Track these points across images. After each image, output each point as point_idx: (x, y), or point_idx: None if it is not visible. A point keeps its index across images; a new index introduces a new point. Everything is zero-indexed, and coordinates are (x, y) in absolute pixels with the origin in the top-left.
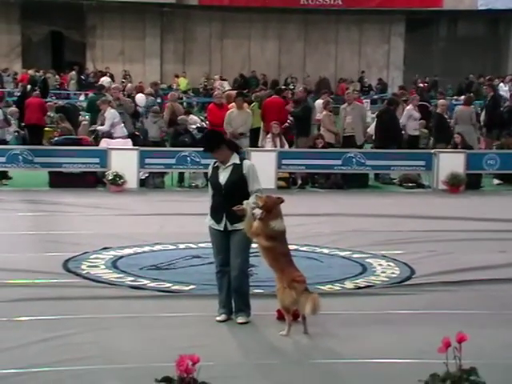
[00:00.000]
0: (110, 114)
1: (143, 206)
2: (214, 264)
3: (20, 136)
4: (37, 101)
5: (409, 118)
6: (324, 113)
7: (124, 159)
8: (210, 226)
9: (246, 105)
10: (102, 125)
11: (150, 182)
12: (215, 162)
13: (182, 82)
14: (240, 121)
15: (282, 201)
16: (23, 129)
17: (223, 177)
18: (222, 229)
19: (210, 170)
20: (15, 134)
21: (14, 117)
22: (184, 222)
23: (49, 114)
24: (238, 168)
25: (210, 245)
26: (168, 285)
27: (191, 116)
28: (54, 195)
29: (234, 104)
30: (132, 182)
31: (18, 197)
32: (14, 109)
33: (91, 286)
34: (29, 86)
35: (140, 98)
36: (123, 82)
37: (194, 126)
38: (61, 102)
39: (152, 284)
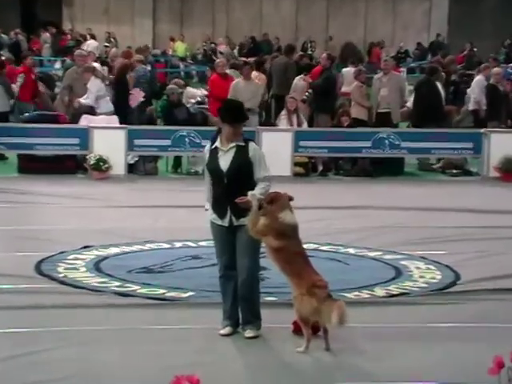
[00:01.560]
0: (95, 85)
1: (132, 196)
2: (217, 266)
3: None
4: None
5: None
6: (355, 83)
7: (109, 140)
8: (212, 221)
9: (255, 73)
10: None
11: (141, 168)
12: (213, 144)
13: (179, 47)
14: (248, 94)
15: (291, 198)
16: None
17: (225, 162)
18: (226, 224)
19: (206, 154)
20: None
21: None
22: (181, 216)
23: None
24: (242, 150)
25: (212, 243)
26: (162, 291)
27: (189, 89)
28: (23, 183)
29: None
30: (118, 167)
31: None
32: None
33: (69, 293)
34: None
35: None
36: (107, 46)
37: (192, 101)
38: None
39: (142, 290)
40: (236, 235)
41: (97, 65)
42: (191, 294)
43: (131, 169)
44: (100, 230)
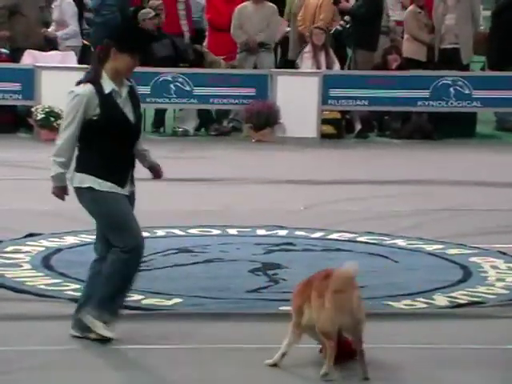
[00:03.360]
0: (66, 5)
1: None
2: (118, 249)
3: None
4: None
5: None
6: (410, 8)
7: (63, 86)
8: (109, 192)
9: None
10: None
11: None
12: (94, 84)
13: None
14: (259, 22)
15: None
16: None
17: (129, 110)
18: (127, 193)
19: (96, 100)
20: None
21: None
22: (164, 193)
23: None
24: (133, 93)
25: (206, 232)
26: (138, 297)
27: None
28: None
29: None
30: None
31: None
32: None
33: (7, 299)
34: None
35: None
36: None
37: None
38: None
39: None
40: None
41: None
42: (177, 300)
43: None
44: (50, 212)
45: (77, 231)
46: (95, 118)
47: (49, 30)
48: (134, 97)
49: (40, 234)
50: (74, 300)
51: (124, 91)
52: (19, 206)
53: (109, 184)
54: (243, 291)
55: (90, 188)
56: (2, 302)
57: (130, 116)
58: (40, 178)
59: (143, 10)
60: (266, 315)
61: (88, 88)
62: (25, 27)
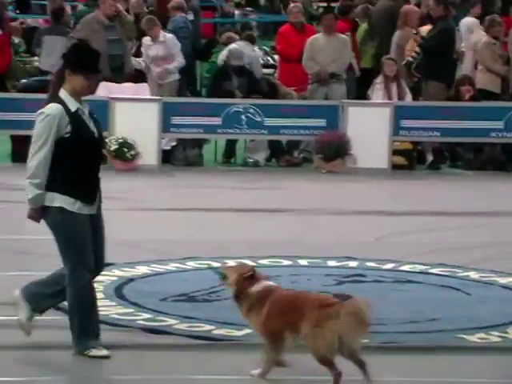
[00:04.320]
0: (172, 40)
1: (167, 194)
2: (75, 272)
3: None
4: None
5: None
6: (484, 40)
7: (136, 117)
8: (75, 213)
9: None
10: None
11: (180, 156)
12: (67, 105)
13: None
14: (331, 53)
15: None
16: None
17: (93, 127)
18: (94, 212)
19: (66, 118)
20: None
21: None
22: (234, 224)
23: (13, 39)
24: (92, 111)
25: (276, 263)
26: (209, 327)
27: (235, 46)
28: (18, 174)
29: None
30: (150, 154)
31: None
32: None
33: None
34: None
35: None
36: None
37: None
38: (30, 21)
39: (182, 326)
40: (97, 224)
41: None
42: (248, 331)
43: (167, 157)
44: (123, 242)
45: (149, 261)
46: (67, 135)
47: (137, 61)
48: (92, 115)
49: (112, 264)
50: (146, 330)
51: (86, 110)
52: None
53: (78, 204)
54: None
55: (60, 208)
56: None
57: (96, 133)
58: (114, 208)
59: (233, 47)
60: None
61: (57, 107)
62: None
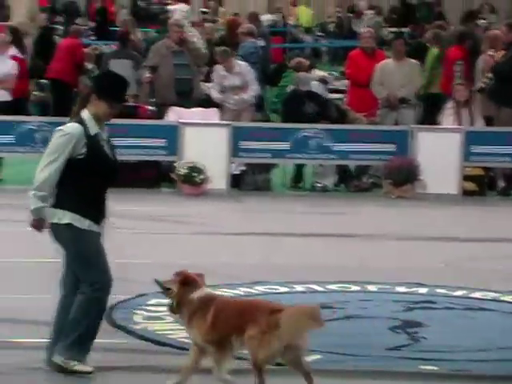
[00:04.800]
0: (246, 69)
1: (236, 219)
2: (90, 288)
3: (39, 99)
4: (68, 43)
5: None
6: None
7: (205, 142)
8: (87, 230)
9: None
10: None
11: (249, 181)
12: (87, 127)
13: (304, 14)
14: (401, 78)
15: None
16: (43, 87)
17: (110, 152)
18: (101, 231)
19: (84, 140)
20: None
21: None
22: (302, 249)
23: (86, 65)
24: (109, 137)
25: (345, 289)
26: None
27: (316, 71)
28: None
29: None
30: (218, 179)
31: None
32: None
33: (150, 351)
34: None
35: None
36: (204, 13)
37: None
38: (104, 47)
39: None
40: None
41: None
42: (317, 357)
43: (236, 182)
44: (191, 266)
45: (216, 285)
46: (80, 156)
47: (207, 86)
48: (110, 141)
49: None
50: None
51: (105, 135)
52: (161, 260)
53: (87, 222)
54: (383, 349)
55: (69, 225)
56: (144, 354)
57: (112, 157)
58: (182, 232)
59: (302, 74)
60: (407, 374)
61: (78, 127)
62: (162, 85)
